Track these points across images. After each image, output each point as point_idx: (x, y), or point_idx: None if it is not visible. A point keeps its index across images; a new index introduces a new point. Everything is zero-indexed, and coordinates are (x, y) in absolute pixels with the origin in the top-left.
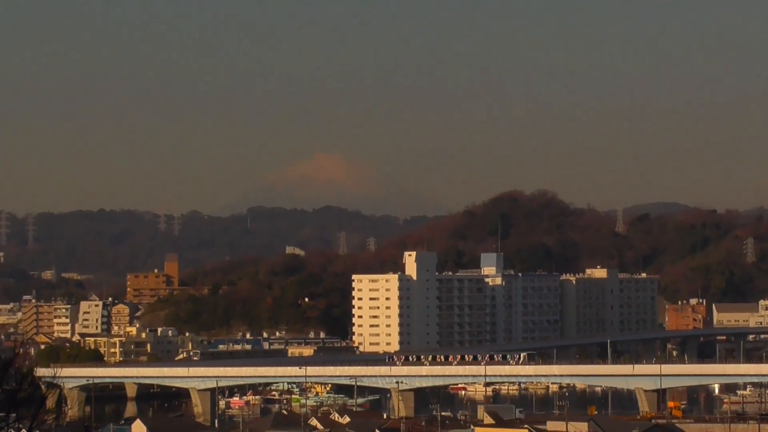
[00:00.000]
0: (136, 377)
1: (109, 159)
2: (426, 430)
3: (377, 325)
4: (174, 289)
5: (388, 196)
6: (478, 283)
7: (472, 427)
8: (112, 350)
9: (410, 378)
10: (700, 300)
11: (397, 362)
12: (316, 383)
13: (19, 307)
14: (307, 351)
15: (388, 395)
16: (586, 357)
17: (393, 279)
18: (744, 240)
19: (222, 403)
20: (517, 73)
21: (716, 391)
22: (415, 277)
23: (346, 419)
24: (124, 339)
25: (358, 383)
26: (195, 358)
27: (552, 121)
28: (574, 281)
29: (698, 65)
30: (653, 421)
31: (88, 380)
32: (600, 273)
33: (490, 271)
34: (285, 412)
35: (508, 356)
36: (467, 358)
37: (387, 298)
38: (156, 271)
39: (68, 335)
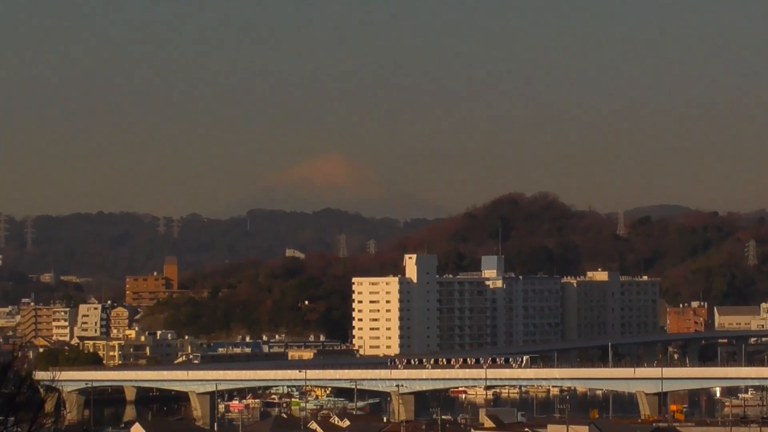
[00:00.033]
0: (135, 381)
1: (108, 161)
2: None
3: (377, 328)
4: (173, 292)
5: (389, 198)
6: (478, 285)
7: (472, 430)
8: (111, 353)
9: (410, 381)
10: (702, 303)
11: (399, 365)
12: (315, 387)
13: (17, 310)
14: (307, 354)
15: (389, 398)
16: (587, 360)
17: (393, 282)
18: (745, 243)
19: (221, 407)
20: (518, 75)
21: (718, 394)
22: (415, 280)
23: (346, 423)
24: (123, 342)
25: (358, 386)
26: (195, 362)
27: (553, 123)
28: (575, 284)
29: (699, 67)
30: (654, 424)
31: (87, 384)
32: (601, 276)
33: (490, 274)
34: (285, 416)
35: (510, 359)
36: (470, 362)
37: (387, 301)
38: (155, 273)
39: (67, 338)
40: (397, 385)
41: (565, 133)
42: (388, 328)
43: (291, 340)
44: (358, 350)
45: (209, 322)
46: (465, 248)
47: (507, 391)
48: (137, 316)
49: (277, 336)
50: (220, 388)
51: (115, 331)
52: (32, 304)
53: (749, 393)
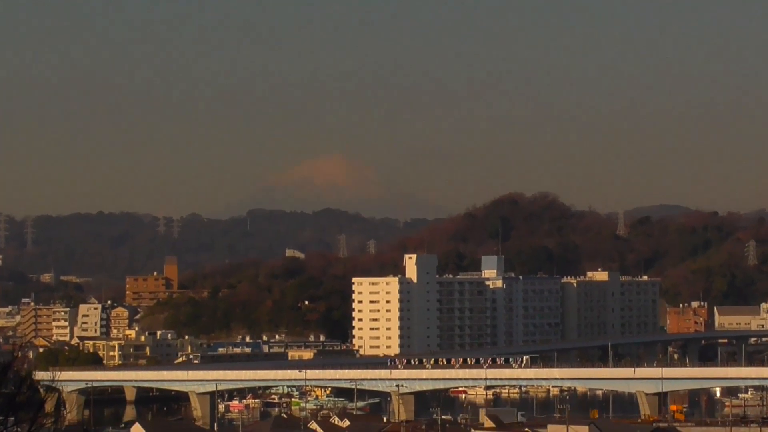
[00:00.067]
0: (135, 381)
1: (108, 161)
2: None
3: (377, 328)
4: (173, 292)
5: (389, 198)
6: (478, 285)
7: (472, 430)
8: (111, 353)
9: (410, 381)
10: (702, 303)
11: (399, 365)
12: (315, 387)
13: (17, 311)
14: (307, 354)
15: (389, 399)
16: (587, 360)
17: (393, 282)
18: (746, 242)
19: (221, 407)
20: (517, 74)
21: (718, 394)
22: (415, 280)
23: (346, 423)
24: (123, 342)
25: (358, 387)
26: (195, 362)
27: (553, 123)
28: (575, 284)
29: (699, 67)
30: (655, 424)
31: (87, 384)
32: (601, 276)
33: (490, 274)
34: (285, 416)
35: (511, 359)
36: (470, 362)
37: (387, 301)
38: (155, 273)
39: (67, 338)
40: (397, 385)
41: (565, 133)
42: (388, 328)
43: (291, 340)
44: (358, 350)
45: (209, 322)
46: (465, 248)
47: (507, 391)
48: (137, 316)
49: (277, 336)
50: (220, 388)
51: (115, 331)
52: (32, 304)
53: (749, 393)
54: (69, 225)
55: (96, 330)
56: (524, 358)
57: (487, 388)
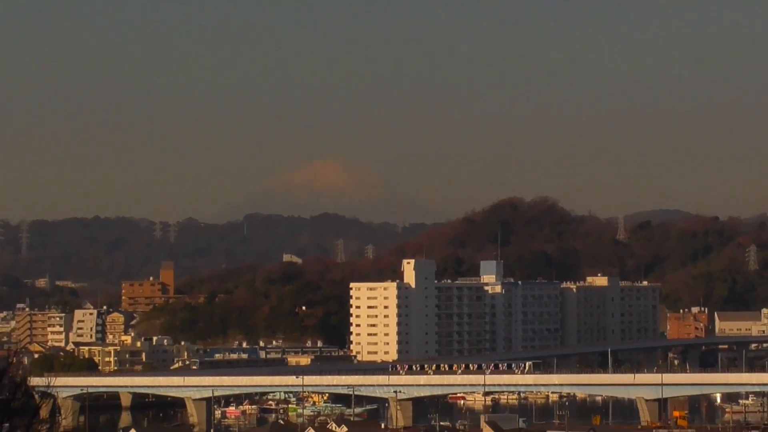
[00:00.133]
0: (131, 386)
1: (103, 165)
2: None
3: (375, 334)
4: (169, 297)
5: (387, 203)
6: (477, 291)
7: None
8: (107, 359)
9: (408, 387)
10: (702, 308)
11: (401, 371)
12: (313, 392)
13: (12, 316)
14: (305, 360)
15: (386, 405)
16: (587, 366)
17: (391, 287)
18: (746, 247)
19: (218, 413)
20: (517, 78)
21: (718, 400)
22: (413, 285)
23: (344, 429)
24: (118, 348)
25: (356, 392)
26: (194, 368)
27: (552, 127)
28: (574, 289)
29: (699, 69)
30: (656, 431)
31: (82, 389)
32: (601, 281)
33: (489, 279)
34: (281, 422)
35: (513, 365)
36: (472, 368)
37: (385, 307)
38: (151, 278)
39: (62, 344)
40: (395, 391)
41: (565, 137)
42: (386, 334)
43: (288, 346)
44: (355, 356)
45: (206, 328)
46: (464, 253)
47: (506, 397)
48: (133, 322)
49: (274, 342)
50: (216, 394)
51: (110, 336)
52: (27, 309)
53: (750, 399)
54: (64, 229)
55: (91, 335)
56: (527, 364)
57: (486, 394)
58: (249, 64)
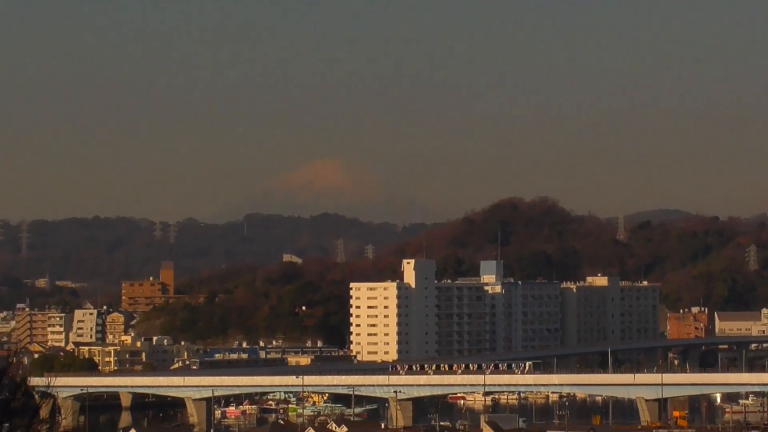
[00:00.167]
0: (131, 386)
1: (104, 165)
2: None
3: (375, 334)
4: (169, 297)
5: (387, 203)
6: (477, 291)
7: None
8: (107, 359)
9: (408, 387)
10: (702, 308)
11: (401, 371)
12: (313, 392)
13: (12, 316)
14: (305, 360)
15: (386, 405)
16: (587, 366)
17: (391, 287)
18: (746, 247)
19: (218, 413)
20: (517, 78)
21: (718, 400)
22: (413, 285)
23: (344, 429)
24: (118, 348)
25: (356, 392)
26: (194, 368)
27: (552, 127)
28: (574, 289)
29: (700, 71)
30: (656, 431)
31: (82, 390)
32: (601, 281)
33: (489, 279)
34: (281, 422)
35: (513, 365)
36: (472, 368)
37: (385, 307)
38: (151, 278)
39: (62, 344)
40: (395, 391)
41: (565, 137)
42: (386, 334)
43: (288, 346)
44: (355, 356)
45: (206, 328)
46: (464, 253)
47: (506, 397)
48: (133, 322)
49: (274, 342)
50: (216, 394)
51: (110, 336)
52: (27, 309)
53: (750, 399)
54: (64, 229)
55: (91, 335)
56: (527, 364)
57: (486, 394)
58: (249, 64)
